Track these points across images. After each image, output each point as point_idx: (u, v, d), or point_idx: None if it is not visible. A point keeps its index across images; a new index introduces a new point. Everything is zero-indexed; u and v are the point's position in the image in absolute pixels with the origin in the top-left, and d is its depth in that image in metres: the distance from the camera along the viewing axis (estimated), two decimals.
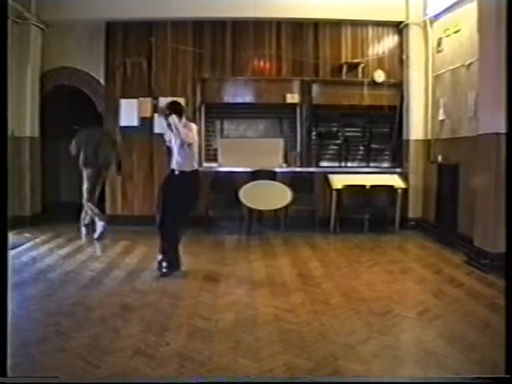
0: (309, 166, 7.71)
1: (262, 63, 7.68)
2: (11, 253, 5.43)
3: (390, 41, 7.71)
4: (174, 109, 4.79)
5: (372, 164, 7.94)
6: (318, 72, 7.67)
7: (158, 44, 7.58)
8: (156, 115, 7.57)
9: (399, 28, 7.59)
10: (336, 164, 7.91)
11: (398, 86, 7.66)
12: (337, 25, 7.62)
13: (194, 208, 5.06)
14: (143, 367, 2.83)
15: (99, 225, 6.21)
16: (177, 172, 4.78)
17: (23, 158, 7.34)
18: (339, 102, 7.69)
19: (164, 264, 4.78)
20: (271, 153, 7.64)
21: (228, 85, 7.78)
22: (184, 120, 4.84)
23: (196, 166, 4.88)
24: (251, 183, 7.03)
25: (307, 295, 4.22)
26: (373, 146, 7.94)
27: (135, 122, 7.60)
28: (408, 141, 7.54)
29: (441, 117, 6.88)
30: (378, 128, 7.94)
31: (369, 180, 7.18)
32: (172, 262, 4.78)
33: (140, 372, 2.78)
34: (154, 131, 7.60)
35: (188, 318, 3.64)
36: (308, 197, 7.28)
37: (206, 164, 7.79)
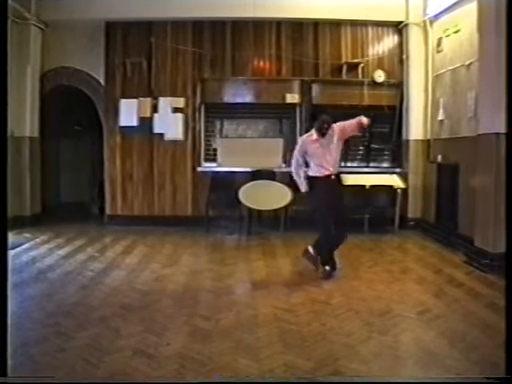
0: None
1: (261, 63, 7.68)
2: (11, 253, 5.44)
3: (389, 41, 7.70)
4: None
5: (372, 164, 7.94)
6: (317, 72, 7.67)
7: (158, 44, 7.58)
8: (156, 115, 7.58)
9: (399, 28, 7.59)
10: None
11: (398, 85, 7.66)
12: (337, 25, 7.62)
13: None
14: (143, 367, 2.83)
15: None
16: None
17: (23, 157, 7.34)
18: (339, 101, 7.68)
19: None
20: (271, 153, 7.64)
21: (228, 85, 7.78)
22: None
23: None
24: (251, 183, 7.02)
25: (307, 295, 4.21)
26: (373, 145, 7.93)
27: (135, 122, 7.59)
28: (408, 141, 7.54)
29: (440, 117, 6.88)
30: (378, 128, 7.93)
31: (368, 180, 7.17)
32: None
33: (140, 372, 2.78)
34: (153, 131, 7.61)
35: (188, 318, 3.64)
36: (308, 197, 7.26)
37: (205, 164, 7.80)
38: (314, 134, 4.75)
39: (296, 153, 4.90)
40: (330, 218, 4.76)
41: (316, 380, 2.74)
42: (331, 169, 4.76)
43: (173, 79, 7.64)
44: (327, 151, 4.73)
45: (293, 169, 4.96)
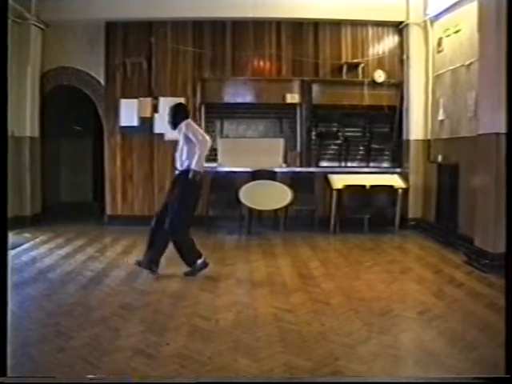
0: (309, 166, 7.71)
1: (261, 63, 7.68)
2: (11, 253, 5.43)
3: (390, 41, 7.71)
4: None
5: (372, 164, 7.94)
6: (317, 72, 7.67)
7: (157, 44, 7.58)
8: (156, 115, 7.58)
9: (399, 28, 7.59)
10: (336, 164, 7.90)
11: (398, 85, 7.67)
12: (337, 25, 7.62)
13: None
14: (143, 367, 2.83)
15: None
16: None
17: (23, 157, 7.34)
18: (339, 101, 7.69)
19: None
20: (271, 153, 7.64)
21: (228, 85, 7.78)
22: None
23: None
24: (251, 183, 7.03)
25: (307, 295, 4.21)
26: (373, 146, 7.93)
27: (135, 122, 7.60)
28: (408, 141, 7.54)
29: (441, 117, 6.88)
30: (378, 128, 7.94)
31: (369, 180, 7.18)
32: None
33: (140, 372, 2.77)
34: (153, 131, 7.61)
35: (188, 318, 3.64)
36: (308, 197, 7.27)
37: (205, 164, 7.75)
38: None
39: None
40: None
41: (316, 380, 2.74)
42: (177, 164, 4.84)
43: (173, 79, 7.64)
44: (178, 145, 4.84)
45: None
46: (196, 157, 4.61)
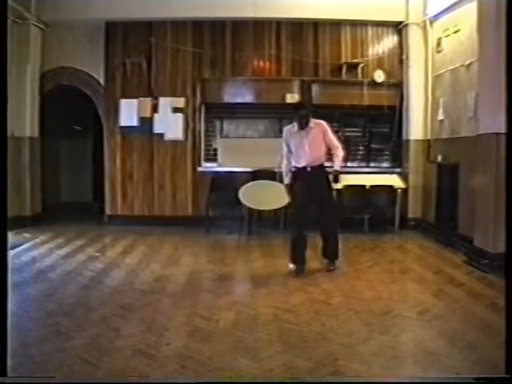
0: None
1: (261, 63, 7.68)
2: (11, 253, 5.43)
3: (389, 41, 7.71)
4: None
5: (372, 164, 7.94)
6: (317, 72, 7.67)
7: (157, 44, 7.58)
8: (156, 115, 7.58)
9: (399, 28, 7.59)
10: None
11: (398, 85, 7.66)
12: (337, 25, 7.62)
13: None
14: (143, 367, 2.83)
15: None
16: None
17: (23, 158, 7.34)
18: (339, 101, 7.69)
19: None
20: (271, 153, 7.62)
21: (228, 85, 7.78)
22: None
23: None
24: (251, 183, 7.02)
25: (307, 295, 4.22)
26: (373, 146, 7.93)
27: (135, 122, 7.60)
28: (408, 141, 7.54)
29: (440, 117, 6.88)
30: (378, 128, 7.94)
31: (369, 180, 7.18)
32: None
33: (140, 372, 2.77)
34: (153, 131, 7.61)
35: (188, 318, 3.64)
36: None
37: (206, 164, 7.80)
38: (295, 126, 4.95)
39: (283, 143, 5.09)
40: (303, 215, 4.95)
41: (316, 380, 2.74)
42: (309, 160, 4.88)
43: (173, 79, 7.64)
44: (306, 143, 4.88)
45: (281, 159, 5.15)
46: (341, 158, 4.92)
